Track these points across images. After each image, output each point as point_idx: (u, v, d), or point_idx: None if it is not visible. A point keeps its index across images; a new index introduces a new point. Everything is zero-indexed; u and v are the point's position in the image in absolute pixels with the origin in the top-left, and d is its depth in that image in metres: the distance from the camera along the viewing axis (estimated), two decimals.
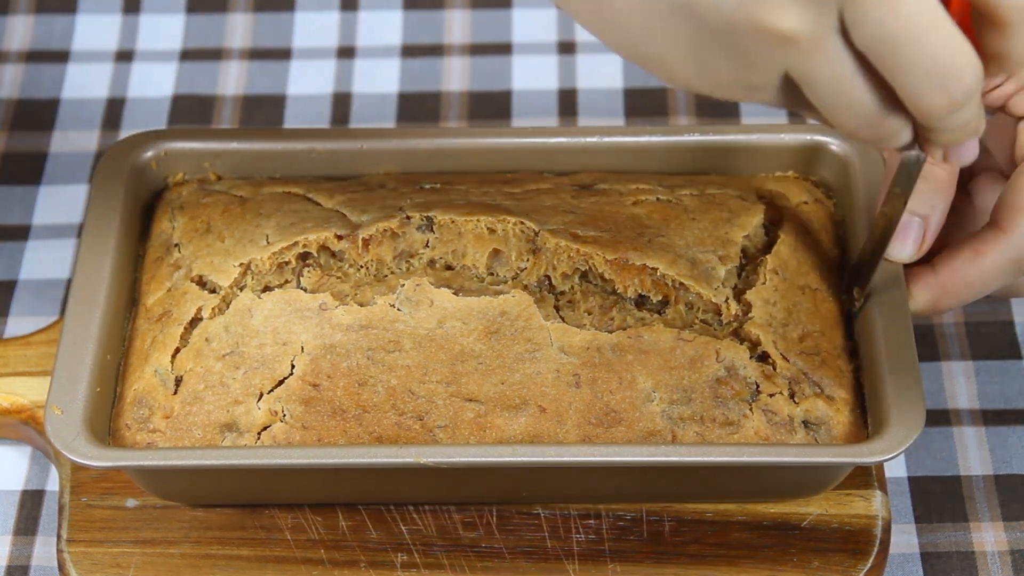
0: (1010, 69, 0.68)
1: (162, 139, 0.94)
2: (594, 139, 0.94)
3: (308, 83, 1.15)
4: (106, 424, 0.85)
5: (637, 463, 0.82)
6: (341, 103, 1.13)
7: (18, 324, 1.02)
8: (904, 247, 0.84)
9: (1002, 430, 0.95)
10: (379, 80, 1.15)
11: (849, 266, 0.88)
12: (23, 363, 0.95)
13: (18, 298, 1.03)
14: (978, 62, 0.66)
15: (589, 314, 0.87)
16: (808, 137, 0.94)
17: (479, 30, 1.17)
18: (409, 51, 1.16)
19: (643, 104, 1.13)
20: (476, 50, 1.16)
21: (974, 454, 0.94)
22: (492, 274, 0.89)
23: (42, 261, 1.05)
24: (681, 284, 0.87)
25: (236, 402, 0.84)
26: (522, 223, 0.89)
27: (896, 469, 0.93)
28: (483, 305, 0.86)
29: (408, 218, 0.89)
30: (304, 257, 0.89)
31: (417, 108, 1.13)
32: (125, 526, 0.88)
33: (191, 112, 1.13)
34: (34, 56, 1.16)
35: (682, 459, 0.82)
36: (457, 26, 1.18)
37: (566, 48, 1.16)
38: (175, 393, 0.85)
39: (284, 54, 1.16)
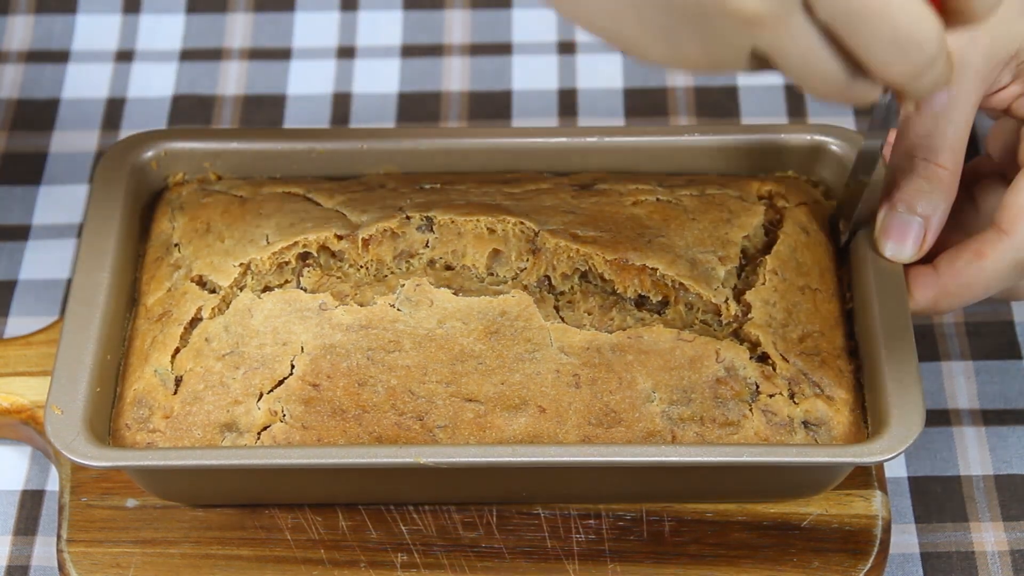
0: (970, 20, 0.70)
1: (162, 139, 0.94)
2: (594, 139, 0.94)
3: (308, 83, 1.15)
4: (106, 424, 0.85)
5: (637, 463, 0.82)
6: (341, 103, 1.13)
7: (18, 324, 1.02)
8: (904, 247, 0.84)
9: (1002, 430, 0.95)
10: (379, 80, 1.15)
11: (837, 200, 0.91)
12: (23, 363, 0.95)
13: (18, 298, 1.03)
14: (939, 28, 0.67)
15: (589, 314, 0.87)
16: (808, 137, 0.94)
17: (479, 30, 1.17)
18: (409, 51, 1.16)
19: (643, 104, 1.13)
20: (476, 50, 1.16)
21: (974, 454, 0.94)
22: (492, 274, 0.89)
23: (42, 261, 1.05)
24: (681, 284, 0.86)
25: (236, 402, 0.84)
26: (522, 223, 0.89)
27: (896, 469, 0.93)
28: (483, 305, 0.86)
29: (408, 218, 0.89)
30: (304, 257, 0.89)
31: (417, 108, 1.13)
32: (125, 526, 0.88)
33: (191, 112, 1.13)
34: (34, 56, 1.16)
35: (682, 459, 0.82)
36: (457, 26, 1.18)
37: (566, 48, 1.16)
38: (175, 393, 0.85)
39: (284, 54, 1.16)
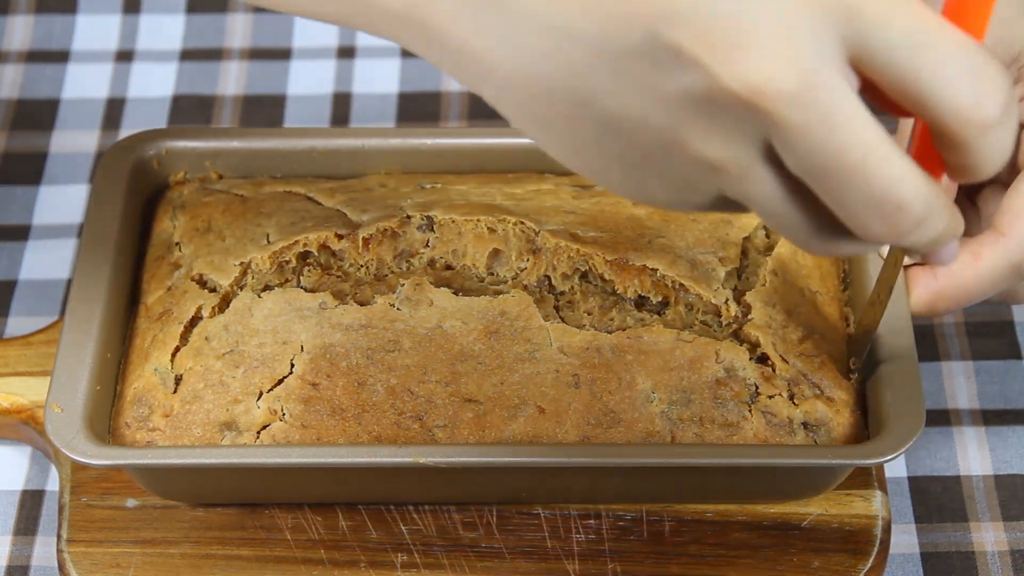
0: (974, 179, 0.65)
1: (163, 138, 0.94)
2: None
3: (308, 83, 1.15)
4: (106, 423, 0.85)
5: (636, 464, 0.82)
6: (341, 103, 1.13)
7: (18, 324, 1.02)
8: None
9: (1002, 430, 0.95)
10: (379, 80, 1.15)
11: (849, 336, 0.88)
12: (23, 363, 0.95)
13: (18, 298, 1.03)
14: (927, 187, 0.62)
15: (589, 314, 0.87)
16: None
17: None
18: (409, 51, 1.16)
19: None
20: None
21: (974, 454, 0.94)
22: (492, 274, 0.89)
23: (42, 261, 1.05)
24: (681, 285, 0.86)
25: (236, 401, 0.84)
26: (522, 223, 0.89)
27: (896, 469, 0.93)
28: (483, 305, 0.86)
29: (408, 218, 0.89)
30: (304, 256, 0.89)
31: (417, 108, 1.13)
32: (125, 526, 0.88)
33: (191, 112, 1.13)
34: (34, 56, 1.16)
35: (681, 461, 0.82)
36: None
37: None
38: (175, 392, 0.85)
39: (284, 54, 1.16)
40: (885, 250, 0.86)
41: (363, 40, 1.17)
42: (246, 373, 0.85)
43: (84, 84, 1.15)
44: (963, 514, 0.92)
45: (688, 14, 0.59)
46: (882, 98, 0.63)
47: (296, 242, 0.89)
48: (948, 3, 0.63)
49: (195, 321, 0.87)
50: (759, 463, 0.82)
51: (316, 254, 0.89)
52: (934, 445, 0.95)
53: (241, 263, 0.89)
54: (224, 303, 0.88)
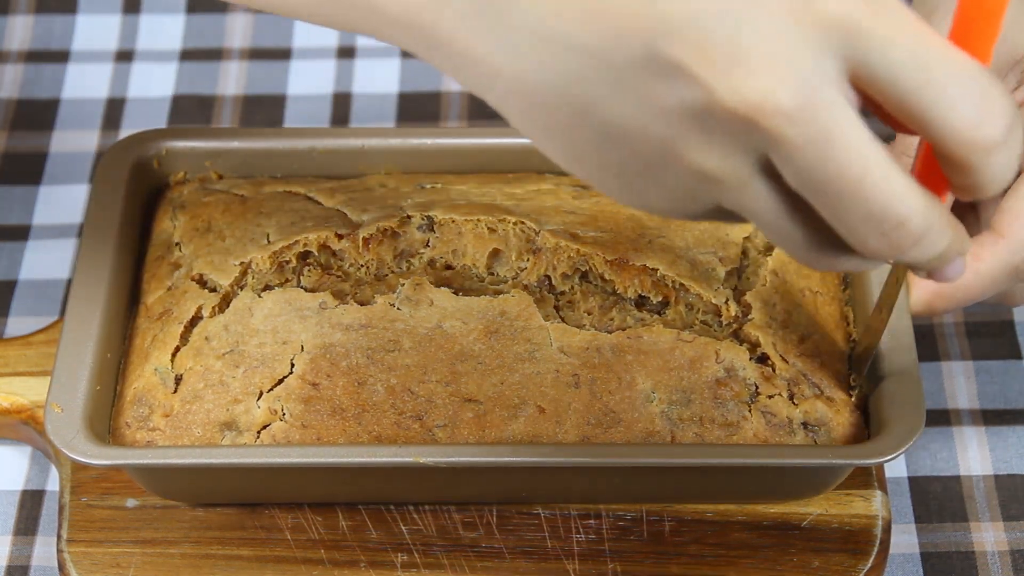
0: (977, 198, 0.64)
1: (163, 138, 0.94)
2: None
3: (308, 83, 1.14)
4: (106, 423, 0.85)
5: (636, 464, 0.82)
6: (341, 103, 1.13)
7: (18, 324, 1.01)
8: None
9: (1002, 430, 0.95)
10: (379, 80, 1.15)
11: (850, 353, 0.87)
12: (23, 363, 0.95)
13: (18, 298, 1.03)
14: (927, 204, 0.61)
15: (589, 314, 0.87)
16: None
17: None
18: None
19: None
20: None
21: (974, 454, 0.94)
22: (492, 274, 0.89)
23: (42, 261, 1.05)
24: (681, 285, 0.86)
25: (236, 401, 0.84)
26: (522, 223, 0.89)
27: (896, 469, 0.93)
28: (483, 305, 0.86)
29: (408, 217, 0.89)
30: (304, 256, 0.89)
31: (417, 108, 1.13)
32: (125, 526, 0.88)
33: (191, 112, 1.13)
34: (34, 56, 1.16)
35: (681, 461, 0.82)
36: None
37: None
38: (175, 392, 0.85)
39: (284, 54, 1.16)
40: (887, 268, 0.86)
41: (363, 40, 1.17)
42: (246, 373, 0.85)
43: (84, 84, 1.15)
44: (963, 514, 0.92)
45: (688, 30, 0.59)
46: (887, 115, 0.63)
47: (296, 242, 0.89)
48: (955, 27, 0.63)
49: (195, 321, 0.87)
50: (759, 463, 0.82)
51: (316, 254, 0.89)
52: (934, 445, 0.95)
53: (241, 263, 0.89)
54: (224, 303, 0.88)
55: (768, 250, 0.89)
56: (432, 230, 0.89)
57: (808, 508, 0.88)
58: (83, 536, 0.88)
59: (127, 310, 0.90)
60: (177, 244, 0.91)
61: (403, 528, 0.88)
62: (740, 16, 0.59)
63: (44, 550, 0.92)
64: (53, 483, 0.94)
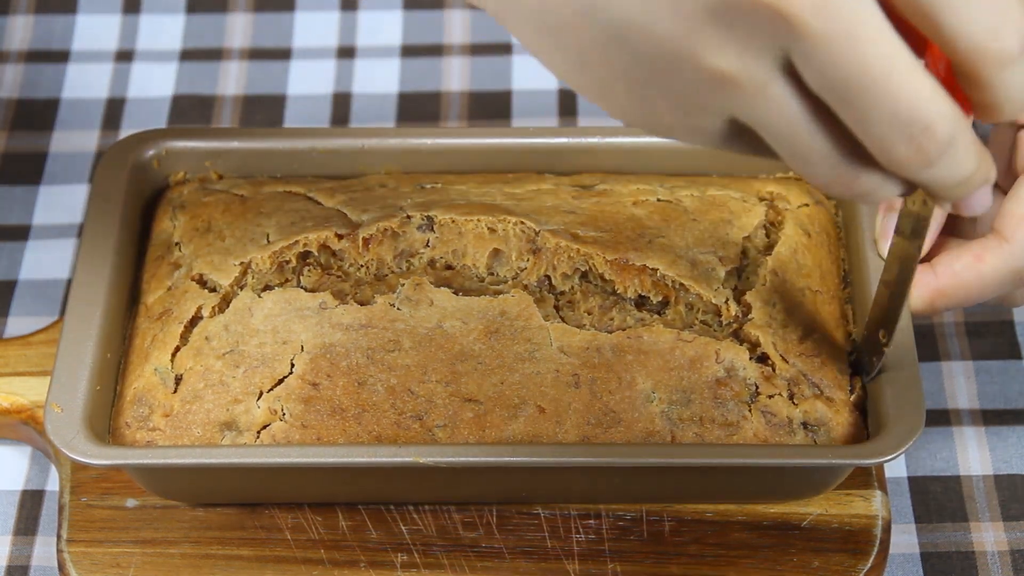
0: (997, 118, 0.62)
1: (163, 138, 0.94)
2: (594, 139, 0.94)
3: (308, 83, 1.15)
4: (106, 423, 0.85)
5: (636, 464, 0.82)
6: (341, 103, 1.13)
7: (18, 324, 1.01)
8: None
9: (1002, 430, 0.95)
10: (379, 80, 1.15)
11: (865, 328, 0.86)
12: (23, 363, 0.95)
13: (18, 298, 1.03)
14: (953, 111, 0.59)
15: (589, 314, 0.87)
16: None
17: (479, 30, 1.17)
18: (409, 51, 1.16)
19: None
20: (476, 50, 1.16)
21: (974, 454, 0.94)
22: (492, 274, 0.89)
23: (42, 261, 1.05)
24: (681, 285, 0.86)
25: (236, 401, 0.84)
26: (522, 223, 0.89)
27: (896, 469, 0.93)
28: (483, 305, 0.86)
29: (408, 217, 0.89)
30: (304, 256, 0.89)
31: (417, 108, 1.13)
32: (125, 526, 0.88)
33: (191, 112, 1.13)
34: (34, 56, 1.16)
35: (681, 461, 0.82)
36: (457, 26, 1.18)
37: None
38: (175, 392, 0.85)
39: (284, 54, 1.16)
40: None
41: (363, 40, 1.17)
42: (246, 373, 0.85)
43: (84, 84, 1.15)
44: (963, 514, 0.92)
45: None
46: (900, 29, 0.61)
47: (296, 242, 0.89)
48: None
49: (195, 321, 0.87)
50: (759, 463, 0.82)
51: (316, 254, 0.89)
52: (934, 445, 0.95)
53: (241, 263, 0.89)
54: (224, 303, 0.88)
55: (768, 249, 0.89)
56: (432, 230, 0.89)
57: (808, 508, 0.88)
58: (83, 536, 0.88)
59: (127, 310, 0.90)
60: (177, 244, 0.91)
61: (403, 528, 0.88)
62: None
63: (44, 550, 0.92)
64: (53, 483, 0.94)
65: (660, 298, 0.87)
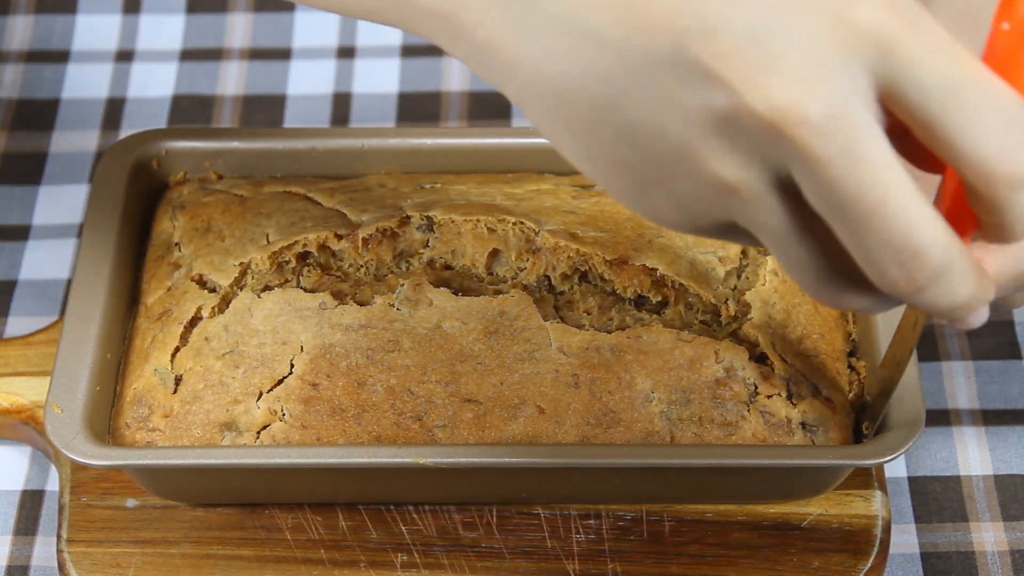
0: (1007, 239, 0.62)
1: (163, 138, 0.94)
2: None
3: (308, 83, 1.14)
4: (106, 423, 0.85)
5: (635, 465, 0.82)
6: (341, 103, 1.13)
7: (18, 324, 1.01)
8: None
9: (1002, 430, 0.95)
10: (379, 80, 1.15)
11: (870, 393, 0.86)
12: (23, 363, 0.95)
13: (18, 298, 1.03)
14: (948, 240, 0.59)
15: (588, 314, 0.87)
16: None
17: None
18: (409, 51, 1.16)
19: None
20: None
21: (974, 454, 0.94)
22: (491, 274, 0.89)
23: (42, 261, 1.05)
24: (681, 285, 0.86)
25: (235, 401, 0.84)
26: (522, 223, 0.89)
27: (896, 469, 0.93)
28: (482, 305, 0.86)
29: (408, 218, 0.89)
30: (304, 256, 0.89)
31: (417, 108, 1.13)
32: (125, 526, 0.88)
33: (191, 112, 1.13)
34: (34, 56, 1.16)
35: (680, 462, 0.82)
36: None
37: None
38: (175, 392, 0.85)
39: (284, 54, 1.16)
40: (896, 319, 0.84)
41: (363, 40, 1.17)
42: (246, 373, 0.85)
43: (84, 84, 1.15)
44: (963, 514, 0.92)
45: (719, 32, 0.58)
46: (911, 150, 0.61)
47: (296, 242, 0.89)
48: (988, 50, 0.61)
49: (195, 321, 0.87)
50: (759, 464, 0.82)
51: (316, 254, 0.89)
52: (934, 445, 0.94)
53: (241, 263, 0.89)
54: (224, 303, 0.88)
55: (768, 250, 0.89)
56: (431, 230, 0.89)
57: (808, 508, 0.88)
58: (83, 536, 0.88)
59: (127, 310, 0.90)
60: (177, 244, 0.91)
61: (403, 528, 0.88)
62: (774, 23, 0.58)
63: (44, 550, 0.92)
64: (53, 483, 0.94)
65: (659, 298, 0.87)
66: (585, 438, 0.83)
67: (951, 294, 0.61)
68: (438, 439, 0.83)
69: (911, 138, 0.61)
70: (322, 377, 0.85)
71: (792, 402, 0.84)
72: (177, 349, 0.87)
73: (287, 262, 0.89)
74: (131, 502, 0.89)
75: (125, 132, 1.11)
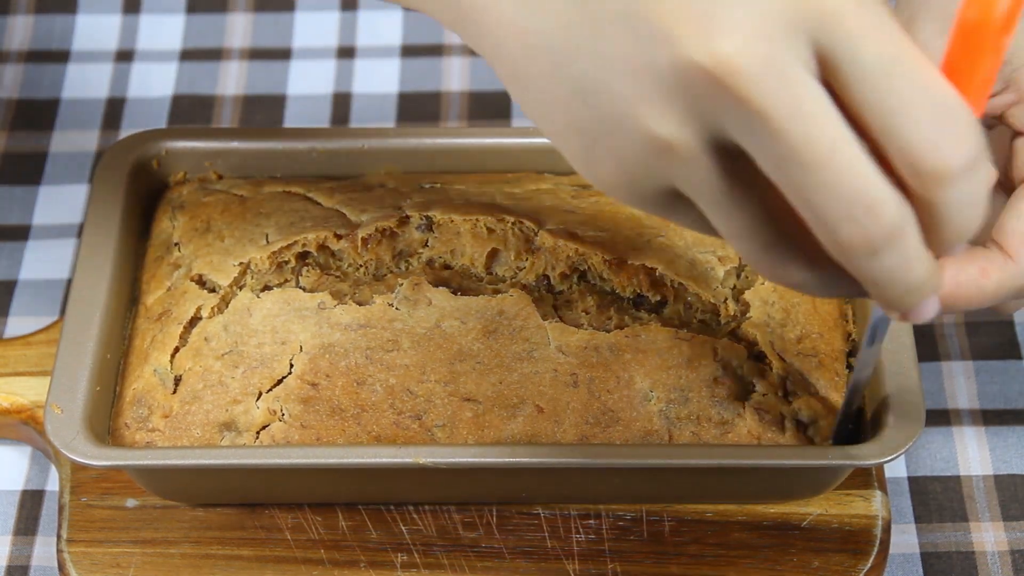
0: (942, 240, 0.61)
1: (163, 138, 0.94)
2: None
3: (308, 83, 1.14)
4: (105, 423, 0.85)
5: (634, 465, 0.82)
6: (341, 103, 1.13)
7: (18, 324, 1.02)
8: None
9: (1002, 430, 0.95)
10: (379, 80, 1.15)
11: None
12: (23, 363, 0.95)
13: (18, 298, 1.03)
14: (900, 204, 0.58)
15: (587, 313, 0.87)
16: None
17: None
18: (409, 51, 1.16)
19: None
20: None
21: (974, 454, 0.94)
22: (491, 273, 0.89)
23: (42, 261, 1.05)
24: (680, 284, 0.86)
25: (235, 401, 0.84)
26: (521, 223, 0.89)
27: (896, 469, 0.93)
28: (481, 304, 0.86)
29: (407, 217, 0.89)
30: (303, 256, 0.89)
31: (417, 108, 1.13)
32: (125, 526, 0.88)
33: (191, 112, 1.13)
34: (34, 56, 1.16)
35: (680, 462, 0.82)
36: None
37: None
38: (174, 392, 0.85)
39: (284, 54, 1.16)
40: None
41: (363, 40, 1.17)
42: (245, 373, 0.85)
43: (84, 84, 1.15)
44: (963, 514, 0.92)
45: None
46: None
47: (295, 242, 0.89)
48: (948, 56, 0.60)
49: (194, 321, 0.87)
50: (759, 464, 0.82)
51: (315, 254, 0.89)
52: (934, 445, 0.94)
53: (240, 263, 0.89)
54: (223, 303, 0.88)
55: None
56: (431, 230, 0.89)
57: (808, 508, 0.88)
58: (83, 536, 0.88)
59: (127, 310, 0.90)
60: (176, 244, 0.91)
61: (403, 528, 0.88)
62: None
63: (44, 550, 0.92)
64: (53, 483, 0.94)
65: (658, 297, 0.87)
66: (584, 437, 0.83)
67: (907, 268, 0.60)
68: (437, 438, 0.83)
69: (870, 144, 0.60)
70: (321, 377, 0.85)
71: (787, 400, 0.84)
72: (177, 349, 0.87)
73: (286, 262, 0.89)
74: (131, 502, 0.89)
75: (125, 132, 1.11)
